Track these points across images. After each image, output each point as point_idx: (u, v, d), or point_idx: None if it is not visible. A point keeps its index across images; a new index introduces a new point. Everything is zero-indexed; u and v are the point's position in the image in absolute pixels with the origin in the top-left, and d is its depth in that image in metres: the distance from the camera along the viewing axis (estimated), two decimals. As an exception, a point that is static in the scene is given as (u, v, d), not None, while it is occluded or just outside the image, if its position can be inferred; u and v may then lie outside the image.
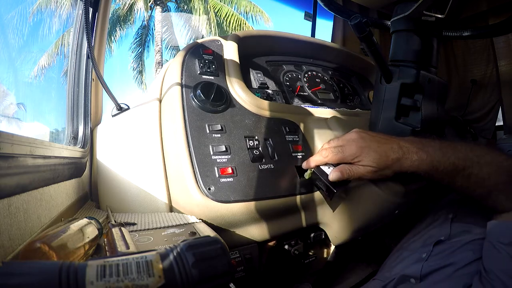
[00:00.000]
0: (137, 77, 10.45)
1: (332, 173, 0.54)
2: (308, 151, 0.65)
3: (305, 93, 0.84)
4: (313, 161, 0.57)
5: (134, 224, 0.47)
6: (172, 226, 0.45)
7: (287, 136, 0.64)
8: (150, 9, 10.19)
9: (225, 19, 9.62)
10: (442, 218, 0.58)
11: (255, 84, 0.77)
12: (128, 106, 0.74)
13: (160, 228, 0.45)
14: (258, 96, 0.68)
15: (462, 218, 0.55)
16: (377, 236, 0.84)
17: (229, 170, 0.54)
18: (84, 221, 0.37)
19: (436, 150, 0.50)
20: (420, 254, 0.51)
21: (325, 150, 0.56)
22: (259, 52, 0.83)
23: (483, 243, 0.45)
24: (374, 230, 0.69)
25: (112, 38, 9.56)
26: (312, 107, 0.78)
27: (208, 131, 0.57)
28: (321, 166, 0.56)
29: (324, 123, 0.69)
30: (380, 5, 0.69)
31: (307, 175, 0.59)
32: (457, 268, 0.45)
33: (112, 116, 0.73)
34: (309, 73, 0.90)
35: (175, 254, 0.23)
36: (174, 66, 0.64)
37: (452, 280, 0.44)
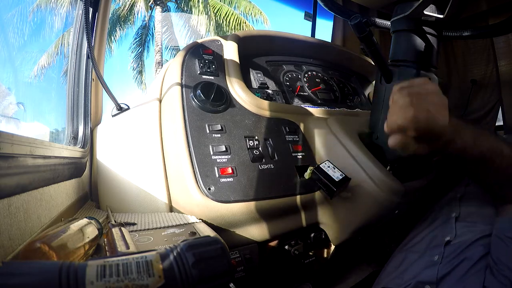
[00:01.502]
0: (137, 77, 10.45)
1: (392, 139, 0.46)
2: (308, 151, 0.65)
3: (305, 93, 0.84)
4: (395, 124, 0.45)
5: (134, 224, 0.47)
6: (172, 226, 0.45)
7: (287, 136, 0.64)
8: (150, 9, 10.19)
9: (225, 18, 9.62)
10: (444, 217, 0.58)
11: (255, 84, 0.77)
12: (128, 106, 0.74)
13: (160, 228, 0.45)
14: (258, 96, 0.68)
15: (465, 217, 0.55)
16: (377, 236, 0.84)
17: (229, 170, 0.54)
18: (84, 221, 0.37)
19: (468, 138, 0.46)
20: (430, 257, 0.51)
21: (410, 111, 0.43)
22: (259, 52, 0.83)
23: (491, 238, 0.45)
24: (374, 230, 0.69)
25: (112, 38, 9.56)
26: (312, 107, 0.78)
27: (208, 131, 0.57)
28: (321, 165, 0.56)
29: (324, 123, 0.69)
30: (380, 5, 0.69)
31: (307, 175, 0.59)
32: (470, 266, 0.45)
33: (112, 116, 0.73)
34: (309, 73, 0.90)
35: (175, 254, 0.23)
36: (174, 66, 0.64)
37: (467, 279, 0.44)
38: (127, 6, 9.63)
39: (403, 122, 0.44)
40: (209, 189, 0.51)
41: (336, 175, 0.54)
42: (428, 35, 0.61)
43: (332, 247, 0.70)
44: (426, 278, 0.48)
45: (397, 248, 0.62)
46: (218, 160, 0.55)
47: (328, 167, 0.55)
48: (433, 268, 0.48)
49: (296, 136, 0.65)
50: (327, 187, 0.54)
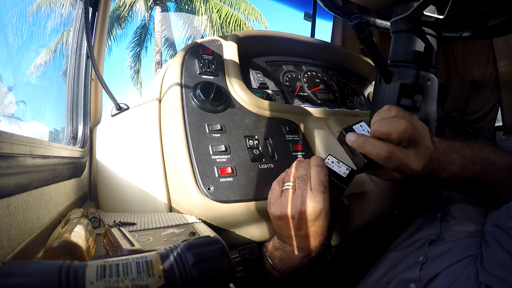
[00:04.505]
0: (134, 77, 10.45)
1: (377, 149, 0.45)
2: (308, 151, 0.65)
3: (304, 93, 0.84)
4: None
5: (133, 224, 0.47)
6: (172, 226, 0.45)
7: (287, 136, 0.64)
8: (150, 9, 10.18)
9: (225, 19, 9.62)
10: (429, 217, 0.58)
11: (254, 84, 0.77)
12: (128, 106, 0.74)
13: (159, 228, 0.45)
14: (258, 96, 0.68)
15: (450, 216, 0.55)
16: (376, 236, 0.84)
17: (229, 170, 0.54)
18: (84, 221, 0.37)
19: (456, 167, 0.46)
20: (416, 258, 0.51)
21: (382, 148, 0.44)
22: (258, 52, 0.83)
23: (485, 230, 0.45)
24: (374, 230, 0.69)
25: (111, 37, 9.55)
26: (311, 107, 0.78)
27: (207, 131, 0.57)
28: (328, 166, 0.53)
29: (323, 123, 0.69)
30: (380, 6, 0.69)
31: None
32: (458, 264, 0.45)
33: (112, 116, 0.73)
34: (309, 73, 0.90)
35: (175, 254, 0.23)
36: (173, 66, 0.64)
37: (459, 278, 0.44)
38: (126, 5, 9.61)
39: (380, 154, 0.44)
40: (209, 189, 0.51)
41: (343, 170, 0.51)
42: (427, 36, 0.61)
43: (332, 247, 0.70)
44: (409, 275, 0.48)
45: (388, 249, 0.62)
46: (217, 160, 0.55)
47: (332, 162, 0.52)
48: (417, 267, 0.48)
49: (296, 136, 0.65)
50: (335, 186, 0.51)
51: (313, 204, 0.46)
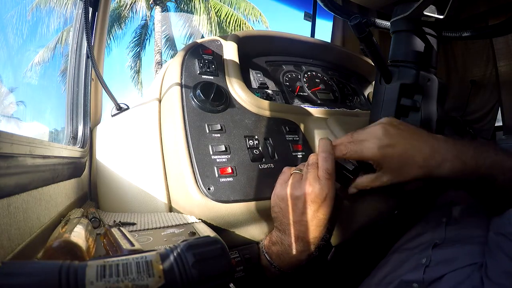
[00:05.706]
0: (134, 77, 10.45)
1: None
2: (308, 151, 0.65)
3: (304, 93, 0.84)
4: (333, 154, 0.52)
5: (133, 224, 0.47)
6: (172, 226, 0.45)
7: (287, 136, 0.64)
8: (150, 9, 10.18)
9: (225, 19, 9.62)
10: (434, 221, 0.58)
11: (254, 84, 0.77)
12: (128, 106, 0.74)
13: (159, 228, 0.45)
14: (258, 96, 0.68)
15: (456, 221, 0.55)
16: (377, 236, 0.85)
17: (229, 170, 0.54)
18: (84, 221, 0.37)
19: (468, 158, 0.45)
20: (418, 260, 0.51)
21: (343, 146, 0.50)
22: (258, 52, 0.83)
23: (489, 237, 0.45)
24: (374, 230, 0.69)
25: (111, 37, 9.54)
26: (312, 107, 0.78)
27: (207, 131, 0.57)
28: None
29: (323, 123, 0.69)
30: (380, 6, 0.69)
31: None
32: (462, 270, 0.45)
33: (112, 116, 0.73)
34: (309, 73, 0.90)
35: (175, 254, 0.23)
36: (173, 66, 0.64)
37: (462, 284, 0.43)
38: (126, 5, 9.61)
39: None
40: (209, 189, 0.51)
41: (349, 165, 0.53)
42: (427, 36, 0.61)
43: (332, 247, 0.70)
44: (412, 277, 0.48)
45: (390, 251, 0.62)
46: (217, 160, 0.55)
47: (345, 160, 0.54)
48: (420, 269, 0.48)
49: (296, 136, 0.65)
50: (342, 177, 0.53)
51: (320, 187, 0.47)
